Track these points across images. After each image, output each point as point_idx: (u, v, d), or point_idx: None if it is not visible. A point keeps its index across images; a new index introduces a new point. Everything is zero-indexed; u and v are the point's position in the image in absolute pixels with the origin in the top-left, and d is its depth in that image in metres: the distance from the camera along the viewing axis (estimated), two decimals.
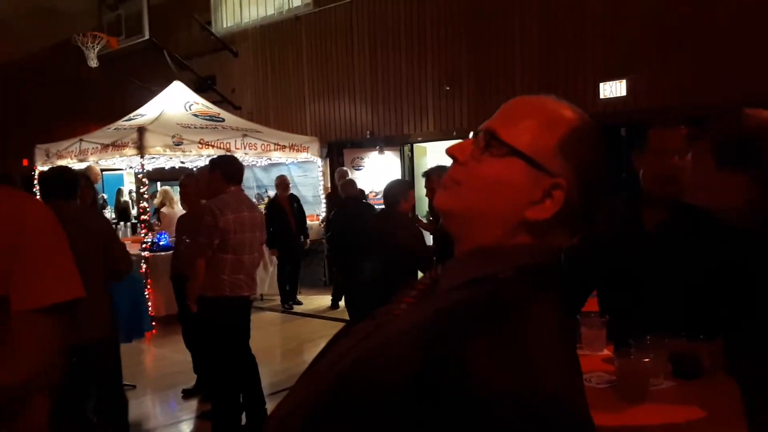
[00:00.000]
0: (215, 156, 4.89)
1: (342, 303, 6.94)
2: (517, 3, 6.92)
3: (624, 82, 6.22)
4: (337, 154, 8.92)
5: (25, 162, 9.38)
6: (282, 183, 7.42)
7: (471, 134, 0.83)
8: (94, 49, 9.11)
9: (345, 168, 7.84)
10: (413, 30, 7.88)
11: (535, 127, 0.79)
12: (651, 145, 2.05)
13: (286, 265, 7.48)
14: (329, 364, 0.79)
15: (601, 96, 6.36)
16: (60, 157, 7.79)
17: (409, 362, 0.68)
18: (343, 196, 6.38)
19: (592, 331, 2.07)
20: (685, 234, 2.00)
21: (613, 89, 6.30)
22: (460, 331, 0.68)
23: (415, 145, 8.46)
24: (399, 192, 4.23)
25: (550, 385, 0.65)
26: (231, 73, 10.04)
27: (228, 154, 5.06)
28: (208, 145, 6.93)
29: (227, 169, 3.53)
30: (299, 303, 7.64)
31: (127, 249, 3.53)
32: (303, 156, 8.11)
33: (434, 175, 4.84)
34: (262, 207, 8.94)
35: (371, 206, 6.53)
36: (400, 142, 8.35)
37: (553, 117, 0.80)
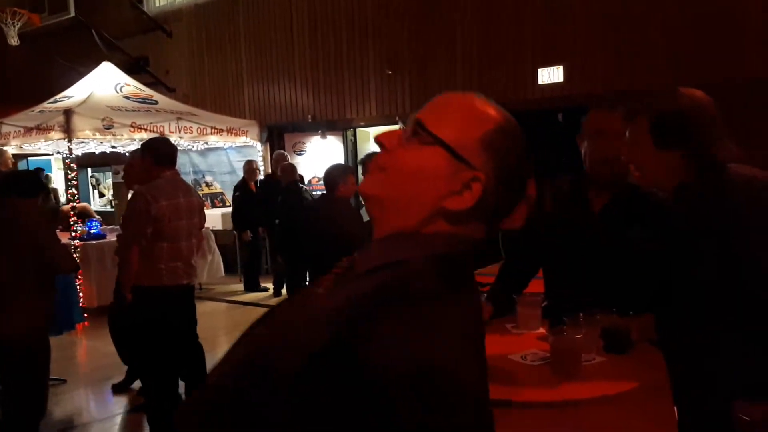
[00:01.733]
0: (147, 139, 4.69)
1: (284, 291, 6.87)
2: None
3: (561, 67, 6.36)
4: (278, 138, 8.75)
5: None
6: (250, 168, 7.47)
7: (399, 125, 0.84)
8: (14, 26, 8.57)
9: (284, 152, 7.70)
10: (354, 11, 7.79)
11: (460, 121, 0.82)
12: (591, 127, 2.09)
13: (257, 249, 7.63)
14: (242, 350, 0.81)
15: (540, 82, 6.47)
16: None
17: (309, 345, 0.70)
18: (284, 183, 6.27)
19: (527, 310, 2.11)
20: (625, 215, 2.05)
21: (551, 75, 6.42)
22: (361, 315, 0.70)
23: (358, 129, 8.41)
24: (338, 176, 4.20)
25: (446, 364, 0.67)
26: (165, 54, 9.66)
27: (159, 136, 4.87)
28: (141, 128, 6.66)
29: (158, 153, 3.39)
30: (265, 289, 7.57)
31: (67, 249, 3.46)
32: (242, 140, 7.91)
33: (369, 162, 4.82)
34: (207, 191, 8.73)
35: (308, 191, 6.47)
36: (343, 126, 8.28)
37: (479, 114, 0.83)
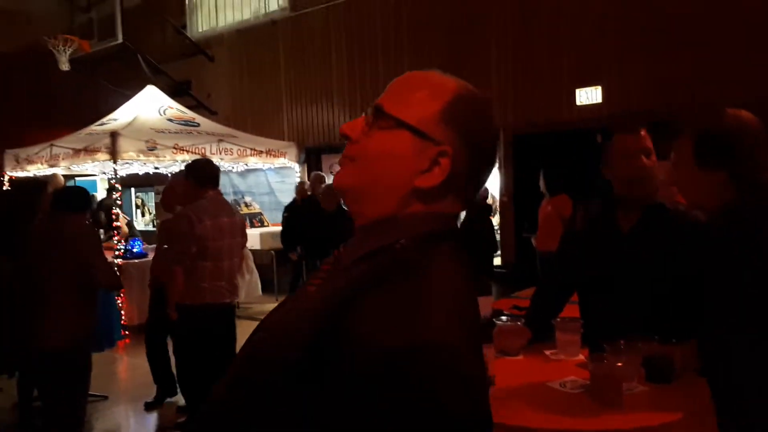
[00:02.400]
0: (190, 161, 4.82)
1: None
2: (494, 10, 6.97)
3: (599, 88, 6.30)
4: (315, 159, 8.87)
5: None
6: (302, 188, 7.42)
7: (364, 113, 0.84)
8: (65, 53, 8.95)
9: (322, 173, 7.79)
10: (390, 35, 7.89)
11: (418, 99, 0.82)
12: (617, 150, 2.09)
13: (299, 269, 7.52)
14: (241, 355, 0.84)
15: (577, 102, 6.42)
16: (30, 162, 7.63)
17: (304, 335, 0.72)
18: (326, 205, 6.17)
19: (567, 336, 2.08)
20: (656, 235, 2.03)
21: (588, 95, 6.37)
22: (349, 299, 0.72)
23: None
24: None
25: (435, 338, 0.67)
26: (207, 77, 9.94)
27: (203, 158, 5.00)
28: (183, 150, 6.83)
29: (201, 174, 3.48)
30: None
31: (111, 266, 3.53)
32: (280, 161, 8.04)
33: None
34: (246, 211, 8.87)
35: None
36: None
37: (435, 88, 0.83)
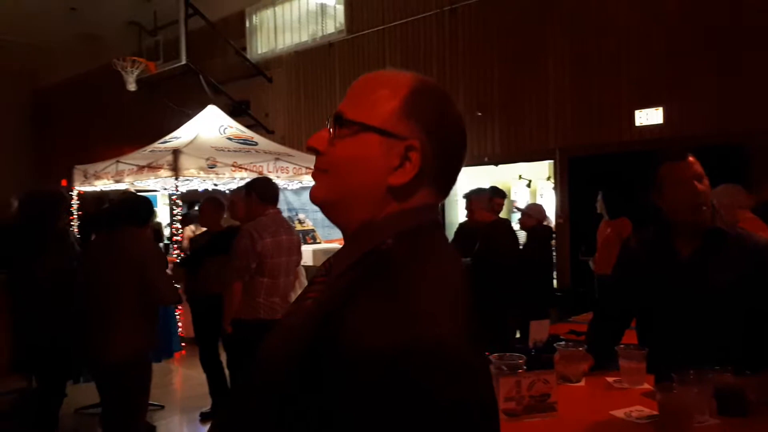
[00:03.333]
0: (248, 179, 4.96)
1: None
2: (549, 29, 6.92)
3: (660, 109, 6.14)
4: None
5: (63, 182, 9.63)
6: None
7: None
8: (133, 74, 9.38)
9: None
10: (445, 56, 7.93)
11: (376, 99, 0.82)
12: (668, 178, 2.04)
13: None
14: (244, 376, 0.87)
15: (637, 124, 6.27)
16: (97, 177, 7.98)
17: (300, 343, 0.73)
18: None
19: (632, 364, 2.01)
20: (721, 261, 1.98)
21: (649, 117, 6.21)
22: (345, 303, 0.72)
23: None
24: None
25: (428, 331, 0.66)
26: (265, 97, 10.22)
27: (263, 176, 5.12)
28: (241, 168, 7.02)
29: (263, 191, 3.56)
30: None
31: (171, 280, 3.56)
32: None
33: (473, 196, 4.83)
34: (299, 228, 9.00)
35: None
36: None
37: (391, 85, 0.82)
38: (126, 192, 7.15)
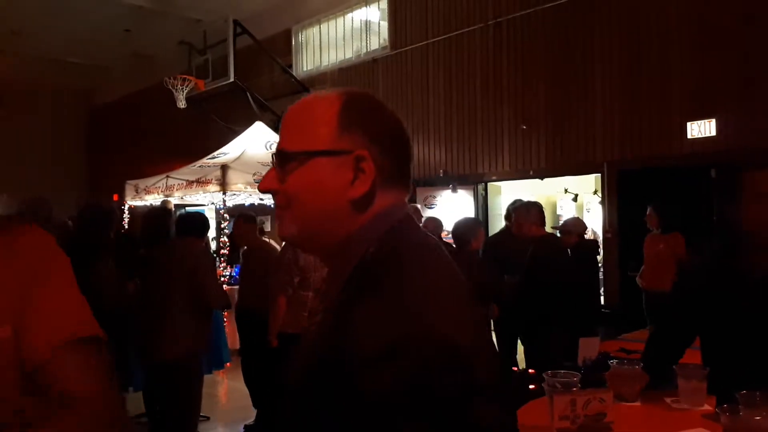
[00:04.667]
0: None
1: None
2: (597, 40, 6.82)
3: (713, 121, 5.95)
4: (411, 192, 8.94)
5: (115, 197, 9.97)
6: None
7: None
8: (183, 91, 9.67)
9: (417, 204, 7.83)
10: (489, 70, 7.90)
11: (310, 124, 0.83)
12: (749, 189, 1.93)
13: None
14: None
15: (689, 136, 6.10)
16: (148, 192, 8.23)
17: (311, 362, 0.77)
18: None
19: (691, 384, 1.93)
20: None
21: (701, 129, 6.03)
22: (346, 316, 0.74)
23: (489, 183, 8.38)
24: (468, 232, 4.21)
25: (420, 326, 0.69)
26: None
27: None
28: None
29: None
30: None
31: (221, 287, 3.79)
32: None
33: (521, 209, 4.73)
34: None
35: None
36: (474, 180, 8.30)
37: (320, 106, 0.84)
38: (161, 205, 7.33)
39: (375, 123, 0.84)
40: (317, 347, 0.78)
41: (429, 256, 0.80)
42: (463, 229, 4.26)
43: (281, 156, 0.84)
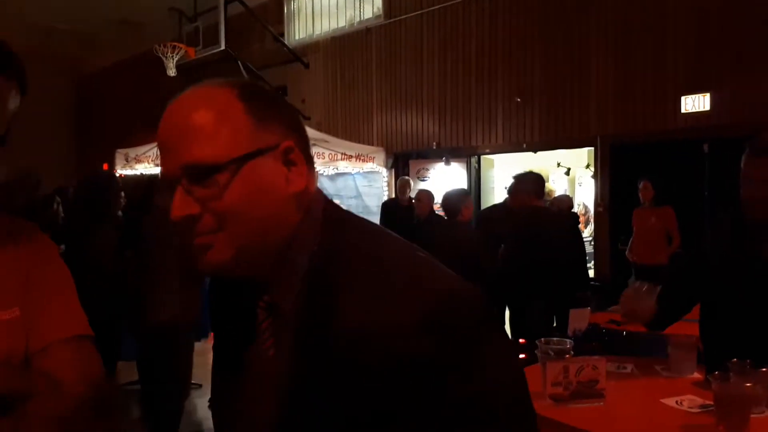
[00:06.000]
0: None
1: None
2: (593, 12, 6.75)
3: (708, 95, 5.94)
4: (403, 164, 8.92)
5: (105, 166, 9.87)
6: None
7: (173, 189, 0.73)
8: (173, 59, 9.50)
9: (408, 178, 7.80)
10: (484, 42, 7.82)
11: (220, 125, 0.72)
12: (756, 174, 1.83)
13: None
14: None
15: (683, 110, 6.08)
16: (138, 161, 8.15)
17: (284, 394, 0.73)
18: (420, 212, 6.06)
19: (681, 353, 1.96)
20: None
21: (695, 103, 6.02)
22: (326, 314, 0.69)
23: (482, 156, 8.37)
24: (458, 201, 4.20)
25: (444, 286, 0.69)
26: (302, 83, 10.24)
27: None
28: None
29: None
30: None
31: None
32: (369, 166, 8.15)
33: (520, 177, 4.67)
34: None
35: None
36: (467, 153, 8.28)
37: (216, 102, 0.73)
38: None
39: (281, 109, 0.78)
40: (289, 369, 0.72)
41: (379, 231, 0.78)
42: (453, 199, 4.25)
43: (202, 171, 0.70)
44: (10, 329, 0.99)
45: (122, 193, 3.96)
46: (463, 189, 6.57)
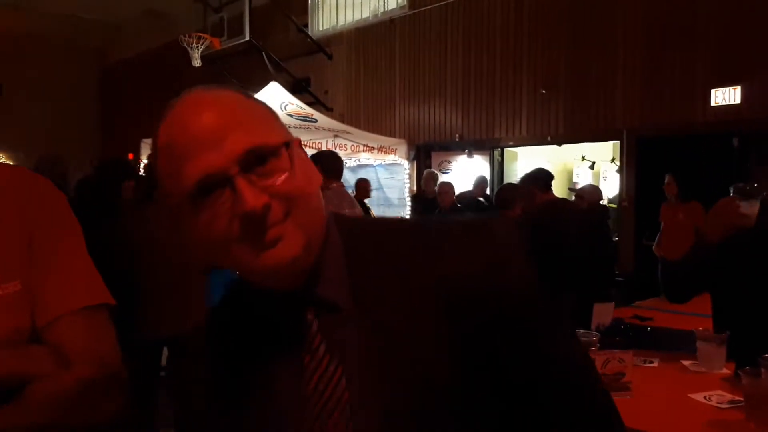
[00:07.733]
0: (315, 153, 4.99)
1: None
2: (620, 3, 6.63)
3: (738, 88, 5.81)
4: (425, 156, 8.89)
5: (130, 156, 9.97)
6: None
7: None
8: (198, 49, 9.57)
9: (434, 170, 7.79)
10: (509, 33, 7.74)
11: (263, 115, 0.72)
12: None
13: None
14: None
15: (712, 103, 5.96)
16: None
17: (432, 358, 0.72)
18: (443, 204, 6.03)
19: (711, 348, 1.93)
20: None
21: (726, 96, 5.89)
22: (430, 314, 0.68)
23: (505, 149, 8.30)
24: (518, 195, 4.06)
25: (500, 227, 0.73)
26: (325, 75, 10.25)
27: (328, 150, 5.13)
28: (302, 144, 7.09)
29: (327, 165, 3.57)
30: None
31: None
32: (390, 158, 8.13)
33: (522, 180, 4.62)
34: None
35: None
36: (490, 146, 8.22)
37: (244, 97, 0.73)
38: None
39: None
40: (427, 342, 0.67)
41: (375, 218, 0.83)
42: (509, 192, 4.05)
43: (266, 154, 0.66)
44: (10, 305, 0.91)
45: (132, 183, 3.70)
46: (519, 184, 6.50)
